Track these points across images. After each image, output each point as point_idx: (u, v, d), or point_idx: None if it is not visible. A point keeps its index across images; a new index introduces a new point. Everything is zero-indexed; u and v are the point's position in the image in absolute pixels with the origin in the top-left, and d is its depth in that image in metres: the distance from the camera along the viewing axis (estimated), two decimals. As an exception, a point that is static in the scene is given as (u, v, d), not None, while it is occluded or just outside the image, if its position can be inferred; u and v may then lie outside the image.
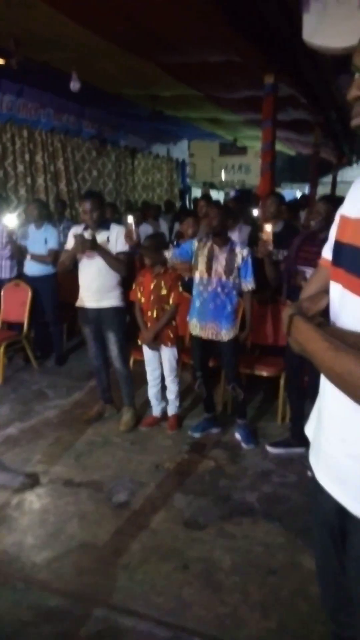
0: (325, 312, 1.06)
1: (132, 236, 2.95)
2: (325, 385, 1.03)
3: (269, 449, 3.27)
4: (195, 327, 3.23)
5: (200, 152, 17.60)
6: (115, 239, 3.18)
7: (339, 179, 13.08)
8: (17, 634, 1.91)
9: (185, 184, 13.67)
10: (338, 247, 1.04)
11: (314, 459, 1.13)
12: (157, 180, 11.51)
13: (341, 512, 0.99)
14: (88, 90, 6.68)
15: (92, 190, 7.56)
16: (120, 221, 4.30)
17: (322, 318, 1.04)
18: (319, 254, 3.05)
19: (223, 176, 17.83)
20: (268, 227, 3.10)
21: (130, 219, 2.93)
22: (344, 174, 14.35)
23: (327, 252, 1.12)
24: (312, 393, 2.94)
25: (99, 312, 3.31)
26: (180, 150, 12.75)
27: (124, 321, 3.49)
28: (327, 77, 5.16)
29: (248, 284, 3.15)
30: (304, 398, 3.23)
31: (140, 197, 10.76)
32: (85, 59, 5.17)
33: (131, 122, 9.24)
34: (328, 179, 13.55)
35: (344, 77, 5.27)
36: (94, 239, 3.06)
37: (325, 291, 1.07)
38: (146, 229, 7.21)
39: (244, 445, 3.30)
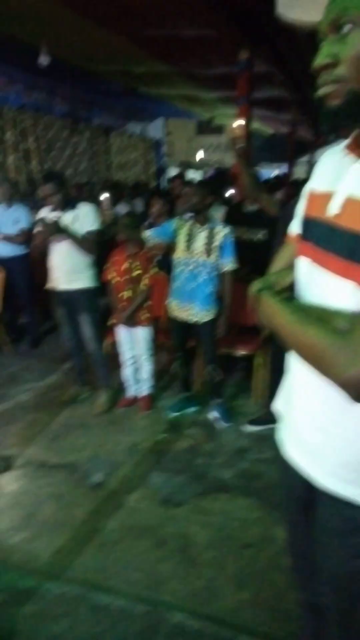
0: (293, 287, 1.06)
1: (107, 214, 2.89)
2: (293, 360, 1.03)
3: (247, 427, 3.30)
4: (175, 308, 3.21)
5: (177, 131, 17.34)
6: (83, 218, 3.11)
7: (316, 159, 13.09)
8: (-8, 615, 1.90)
9: (162, 163, 13.49)
10: (306, 221, 1.03)
11: (282, 433, 1.14)
12: (132, 159, 11.32)
13: (308, 485, 1.00)
14: (59, 65, 6.49)
15: (51, 171, 7.37)
16: (91, 200, 4.22)
17: (290, 293, 1.03)
18: None
19: (202, 155, 17.65)
20: (239, 122, 3.06)
21: (105, 196, 2.87)
22: (320, 155, 14.35)
23: (294, 228, 1.11)
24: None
25: (71, 293, 3.26)
26: (156, 128, 12.56)
27: (97, 302, 3.45)
28: (304, 53, 5.09)
29: (228, 264, 3.13)
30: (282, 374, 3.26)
31: (116, 177, 10.59)
32: (56, 33, 5.01)
33: (105, 99, 9.04)
34: (306, 158, 13.53)
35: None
36: (56, 223, 2.99)
37: (292, 266, 1.06)
38: (122, 209, 7.13)
39: (220, 423, 3.33)
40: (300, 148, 12.21)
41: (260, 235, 3.95)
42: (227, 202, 4.38)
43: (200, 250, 3.05)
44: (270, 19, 4.35)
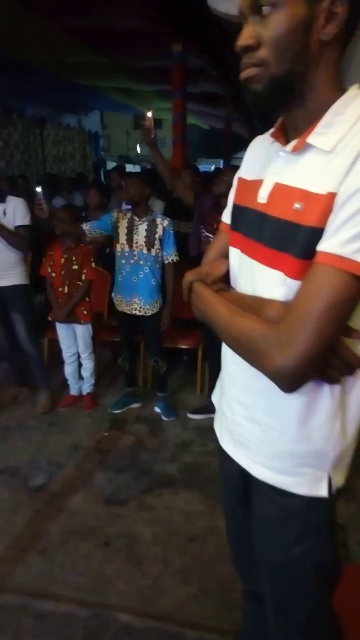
0: (227, 277, 1.05)
1: (43, 207, 2.77)
2: (227, 352, 1.02)
3: (190, 415, 3.32)
4: (120, 302, 3.16)
5: (114, 125, 17.14)
6: (12, 212, 2.99)
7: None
8: None
9: (99, 156, 13.26)
10: (236, 210, 1.02)
11: (218, 425, 1.13)
12: (69, 152, 11.05)
13: (244, 475, 1.00)
14: (-13, 53, 6.20)
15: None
16: (27, 194, 4.07)
17: (223, 284, 1.02)
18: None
19: (139, 150, 17.53)
20: (149, 113, 3.06)
21: (39, 189, 2.75)
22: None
23: (226, 217, 1.10)
24: None
25: (1, 291, 3.12)
26: (93, 121, 12.31)
27: (30, 300, 3.33)
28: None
29: (169, 256, 3.10)
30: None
31: (52, 170, 10.29)
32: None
33: (38, 90, 8.73)
34: (242, 154, 13.77)
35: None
36: None
37: (226, 256, 1.05)
38: (59, 203, 6.93)
39: (164, 418, 3.32)
40: (237, 144, 12.39)
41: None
42: (166, 195, 4.35)
43: (142, 243, 3.02)
44: (202, 12, 4.36)
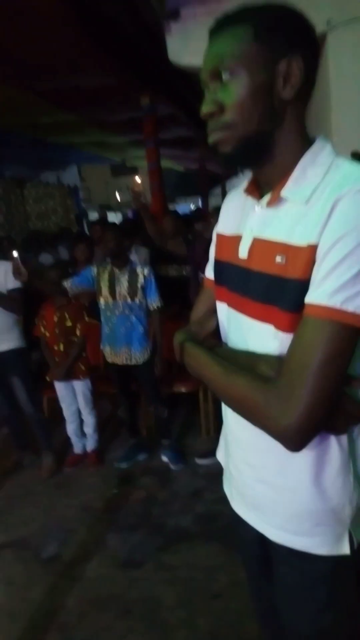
0: (217, 333, 1.04)
1: (21, 271, 2.76)
2: (227, 411, 1.00)
3: (198, 460, 3.24)
4: (110, 354, 3.13)
5: (92, 176, 17.54)
6: (3, 276, 3.00)
7: (227, 189, 13.67)
8: None
9: (81, 208, 13.51)
10: (218, 265, 1.02)
11: (227, 488, 1.10)
12: (50, 207, 11.24)
13: (263, 540, 0.96)
14: None
15: None
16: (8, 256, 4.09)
17: (215, 340, 1.01)
18: None
19: (118, 197, 17.89)
20: (137, 179, 3.09)
21: (15, 253, 2.75)
22: (232, 184, 15.03)
23: (209, 272, 1.10)
24: None
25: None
26: (71, 175, 12.61)
27: (28, 362, 3.30)
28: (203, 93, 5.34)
29: (153, 303, 3.11)
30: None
31: (36, 227, 10.44)
32: None
33: (13, 151, 8.96)
34: (218, 190, 14.09)
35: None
36: None
37: (214, 311, 1.04)
38: (46, 259, 6.98)
39: (172, 466, 3.24)
40: (212, 181, 12.71)
41: (185, 270, 3.99)
42: (149, 241, 4.41)
43: (125, 293, 3.02)
44: (166, 63, 4.55)
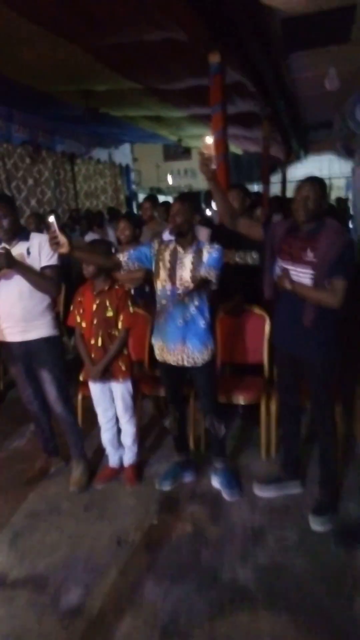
0: None
1: (59, 240, 2.21)
2: None
3: (258, 491, 2.65)
4: (162, 350, 2.57)
5: (144, 157, 17.09)
6: (37, 251, 2.48)
7: (288, 176, 12.80)
8: None
9: (131, 189, 13.01)
10: None
11: None
12: (100, 186, 10.80)
13: None
14: (13, 88, 5.94)
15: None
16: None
17: None
18: (304, 249, 2.28)
19: (170, 181, 17.32)
20: (209, 139, 2.41)
21: (51, 218, 2.21)
22: (291, 173, 14.05)
23: None
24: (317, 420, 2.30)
25: (27, 345, 2.59)
26: (123, 154, 12.10)
27: (62, 354, 2.79)
28: (277, 57, 4.66)
29: (211, 271, 2.38)
30: (297, 423, 2.64)
31: (84, 206, 10.01)
32: (3, 47, 4.45)
33: (66, 125, 8.51)
34: (275, 178, 13.20)
35: (295, 57, 4.78)
36: (7, 254, 2.35)
37: None
38: (92, 239, 6.52)
39: (226, 495, 2.66)
40: (272, 167, 11.88)
41: (251, 257, 3.35)
42: (209, 222, 3.83)
43: (187, 278, 2.44)
44: (241, 16, 3.89)
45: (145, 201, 5.34)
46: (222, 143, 4.18)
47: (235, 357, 3.30)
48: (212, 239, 3.51)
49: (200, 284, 2.37)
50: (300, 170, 14.96)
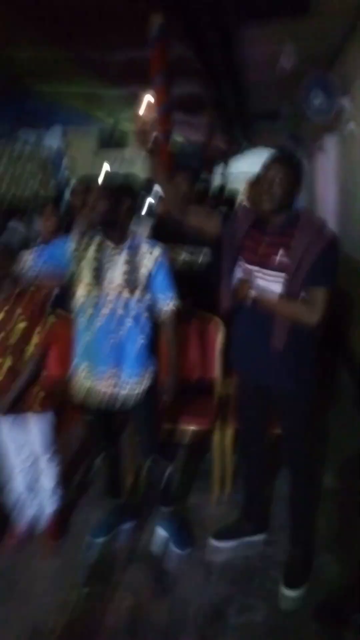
0: None
1: None
2: None
3: (214, 542, 2.14)
4: (87, 376, 1.96)
5: (79, 144, 16.22)
6: None
7: (229, 168, 12.46)
8: None
9: (64, 176, 12.12)
10: None
11: None
12: (28, 171, 9.91)
13: None
14: None
15: None
16: None
17: None
18: (274, 248, 1.59)
19: (106, 170, 16.52)
20: (148, 98, 1.76)
21: None
22: (233, 165, 13.70)
23: None
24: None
25: None
26: (54, 138, 11.24)
27: None
28: (227, 27, 4.13)
29: (168, 302, 1.96)
30: (262, 461, 2.14)
31: (9, 192, 9.11)
32: None
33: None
34: (220, 169, 12.80)
35: (248, 30, 4.27)
36: None
37: None
38: (14, 229, 5.77)
39: (175, 548, 2.12)
40: (213, 157, 11.44)
41: (202, 256, 2.81)
42: (151, 213, 3.25)
43: (119, 283, 1.86)
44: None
45: (78, 184, 4.53)
46: (166, 120, 3.60)
47: (181, 373, 2.76)
48: (154, 232, 2.94)
49: None
50: (242, 163, 14.70)
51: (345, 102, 4.32)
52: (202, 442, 2.79)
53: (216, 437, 2.42)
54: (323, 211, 6.22)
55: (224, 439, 2.42)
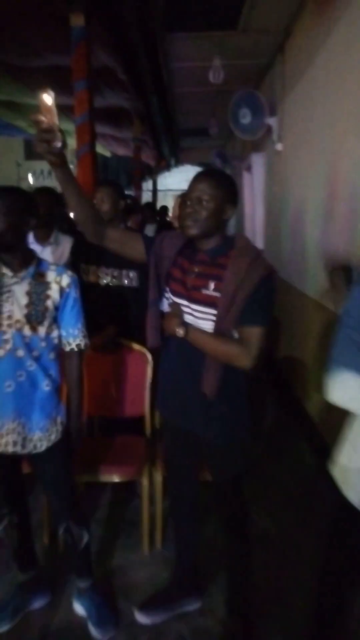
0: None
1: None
2: None
3: (140, 616, 1.83)
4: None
5: (3, 154, 15.52)
6: None
7: (158, 185, 12.35)
8: None
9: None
10: None
11: None
12: None
13: None
14: None
15: None
16: None
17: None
18: (203, 278, 1.22)
19: (31, 181, 15.88)
20: (46, 97, 1.36)
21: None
22: (160, 182, 13.61)
23: None
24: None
25: None
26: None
27: None
28: (154, 36, 3.93)
29: (74, 339, 1.67)
30: (194, 519, 1.86)
31: None
32: None
33: None
34: (149, 185, 12.66)
35: (176, 40, 4.10)
36: None
37: None
38: None
39: (94, 633, 1.78)
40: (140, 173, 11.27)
41: (128, 278, 2.53)
42: (73, 229, 2.92)
43: (18, 319, 1.54)
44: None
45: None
46: (88, 129, 3.30)
47: (106, 409, 2.45)
48: (74, 253, 2.62)
49: None
50: (169, 180, 14.68)
51: (272, 122, 4.26)
52: (128, 486, 2.51)
53: (144, 482, 2.12)
54: (250, 231, 6.17)
55: (153, 484, 2.13)
